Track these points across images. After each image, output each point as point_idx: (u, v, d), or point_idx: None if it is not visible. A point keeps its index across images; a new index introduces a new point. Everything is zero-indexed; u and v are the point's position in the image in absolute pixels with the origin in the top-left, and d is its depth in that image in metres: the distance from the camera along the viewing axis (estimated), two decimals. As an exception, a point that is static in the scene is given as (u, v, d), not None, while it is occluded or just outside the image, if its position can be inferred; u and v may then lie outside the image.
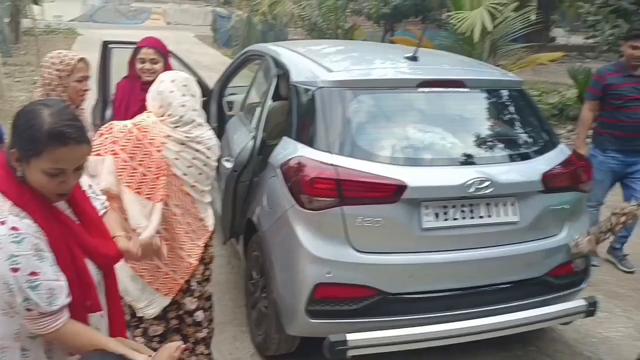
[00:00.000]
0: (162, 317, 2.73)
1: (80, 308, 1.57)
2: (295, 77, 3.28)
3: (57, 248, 1.51)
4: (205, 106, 4.80)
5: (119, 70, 4.10)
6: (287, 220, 2.84)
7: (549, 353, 3.37)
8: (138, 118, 2.57)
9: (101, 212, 1.80)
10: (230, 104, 4.93)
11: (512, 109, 3.26)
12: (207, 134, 2.62)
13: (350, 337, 2.66)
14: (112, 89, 4.06)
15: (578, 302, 3.01)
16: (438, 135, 2.96)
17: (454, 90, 3.07)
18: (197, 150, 2.54)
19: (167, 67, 3.47)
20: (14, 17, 15.96)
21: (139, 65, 3.42)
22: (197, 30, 24.82)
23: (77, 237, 1.57)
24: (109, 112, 4.12)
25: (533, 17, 7.86)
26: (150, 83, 2.73)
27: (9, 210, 1.46)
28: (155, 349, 1.69)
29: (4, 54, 11.91)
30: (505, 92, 3.28)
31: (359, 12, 14.25)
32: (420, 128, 2.98)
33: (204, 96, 4.78)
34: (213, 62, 14.57)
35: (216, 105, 4.85)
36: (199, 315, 2.82)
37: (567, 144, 8.32)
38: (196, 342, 2.85)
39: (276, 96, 3.61)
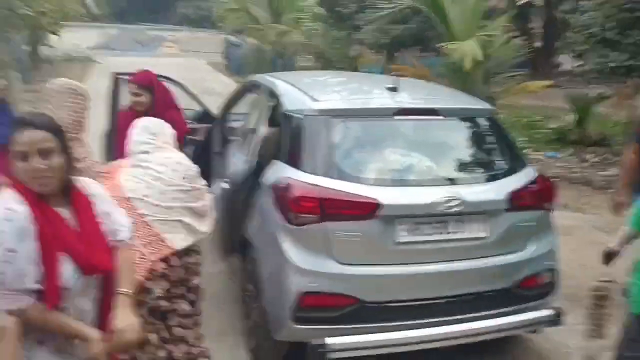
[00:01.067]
0: None
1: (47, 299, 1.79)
2: (286, 106, 3.62)
3: (43, 240, 1.76)
4: (210, 132, 5.20)
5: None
6: (276, 236, 3.15)
7: (522, 362, 3.61)
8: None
9: (118, 238, 2.05)
10: (232, 130, 5.27)
11: (483, 134, 3.56)
12: (163, 155, 2.88)
13: (329, 340, 2.94)
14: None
15: (544, 312, 3.26)
16: (413, 159, 3.26)
17: (428, 117, 3.38)
18: (148, 168, 2.81)
19: (156, 98, 3.83)
20: (33, 45, 16.63)
21: (129, 97, 3.82)
22: (210, 58, 25.45)
23: (64, 239, 1.81)
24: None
25: (537, 44, 8.17)
26: (142, 113, 3.07)
27: (13, 196, 1.77)
28: None
29: (24, 81, 12.47)
30: (477, 119, 3.59)
31: (362, 41, 14.73)
32: (396, 152, 3.29)
33: (208, 122, 5.18)
34: (225, 90, 15.00)
35: (219, 131, 5.21)
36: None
37: (566, 167, 8.63)
38: None
39: (271, 123, 3.96)
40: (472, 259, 3.17)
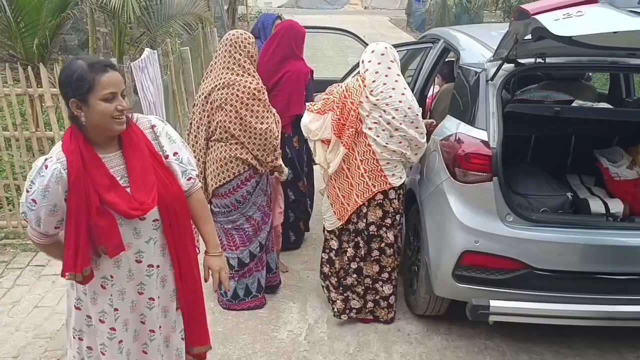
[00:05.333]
0: (337, 235, 3.36)
1: (101, 242, 1.93)
2: (464, 59, 3.46)
3: (76, 190, 1.88)
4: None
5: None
6: (441, 191, 3.10)
7: None
8: (351, 81, 3.22)
9: (183, 181, 2.10)
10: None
11: None
12: (398, 98, 3.11)
13: (493, 303, 2.86)
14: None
15: None
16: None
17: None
18: (384, 111, 3.11)
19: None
20: (231, 4, 17.96)
21: None
22: (393, 14, 25.26)
23: (98, 189, 1.89)
24: None
25: None
26: None
27: (57, 153, 1.91)
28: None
29: (220, 36, 13.58)
30: None
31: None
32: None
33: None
34: (403, 46, 14.83)
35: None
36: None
37: None
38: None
39: (448, 78, 3.83)
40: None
